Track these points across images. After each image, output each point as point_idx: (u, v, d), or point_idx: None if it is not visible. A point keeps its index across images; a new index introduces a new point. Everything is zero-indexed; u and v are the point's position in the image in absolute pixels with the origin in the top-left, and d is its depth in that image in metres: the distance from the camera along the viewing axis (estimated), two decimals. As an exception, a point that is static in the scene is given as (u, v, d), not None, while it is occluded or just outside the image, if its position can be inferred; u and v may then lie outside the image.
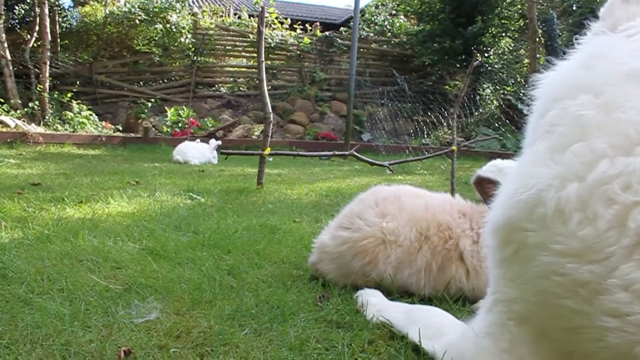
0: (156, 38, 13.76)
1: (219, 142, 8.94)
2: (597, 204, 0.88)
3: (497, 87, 15.41)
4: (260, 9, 4.86)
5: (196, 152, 8.37)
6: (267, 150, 4.83)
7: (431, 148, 11.33)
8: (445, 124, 13.34)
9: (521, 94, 16.06)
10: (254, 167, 7.28)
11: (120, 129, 11.84)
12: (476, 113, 14.18)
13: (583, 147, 0.96)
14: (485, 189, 1.92)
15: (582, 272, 0.86)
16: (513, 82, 15.28)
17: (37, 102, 10.83)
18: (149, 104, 12.78)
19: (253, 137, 12.70)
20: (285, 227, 3.18)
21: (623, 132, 0.91)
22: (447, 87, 15.83)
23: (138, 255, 2.32)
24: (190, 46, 14.24)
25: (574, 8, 15.48)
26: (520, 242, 0.99)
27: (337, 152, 4.95)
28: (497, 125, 14.06)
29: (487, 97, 15.24)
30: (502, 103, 15.48)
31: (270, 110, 4.90)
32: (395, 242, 1.94)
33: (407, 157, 8.32)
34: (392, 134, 13.85)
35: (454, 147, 5.39)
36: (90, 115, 11.33)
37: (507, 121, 14.09)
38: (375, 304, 1.72)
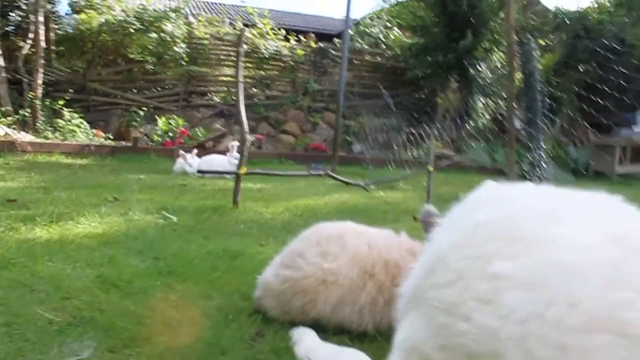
0: (150, 47, 13.84)
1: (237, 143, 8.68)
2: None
3: (491, 99, 15.52)
4: (240, 30, 4.94)
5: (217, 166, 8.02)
6: (243, 170, 4.90)
7: (419, 162, 11.43)
8: (436, 137, 13.42)
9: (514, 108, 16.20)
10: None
11: (111, 137, 11.90)
12: (467, 126, 14.27)
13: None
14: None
15: (453, 293, 1.10)
16: (505, 96, 15.37)
17: (28, 110, 10.90)
18: (141, 113, 12.84)
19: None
20: (249, 252, 3.24)
21: None
22: (440, 100, 15.93)
23: (92, 284, 2.38)
24: (184, 55, 14.33)
25: (567, 22, 15.61)
26: (418, 295, 1.24)
27: (312, 172, 5.02)
28: (487, 137, 14.17)
29: (479, 110, 15.34)
30: (492, 117, 15.59)
31: (247, 130, 4.97)
32: (335, 282, 1.99)
33: (395, 170, 8.41)
34: (383, 146, 13.92)
35: (431, 168, 5.46)
36: (81, 123, 11.39)
37: (499, 135, 14.20)
38: (306, 342, 1.78)
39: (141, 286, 2.38)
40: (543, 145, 5.61)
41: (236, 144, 8.69)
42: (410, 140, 13.42)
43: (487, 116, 15.40)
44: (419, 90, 15.25)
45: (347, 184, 4.95)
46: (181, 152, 8.81)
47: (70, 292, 2.24)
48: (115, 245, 3.15)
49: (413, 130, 13.43)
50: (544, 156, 5.65)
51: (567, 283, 0.97)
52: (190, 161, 8.46)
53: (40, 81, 11.27)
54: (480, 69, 14.44)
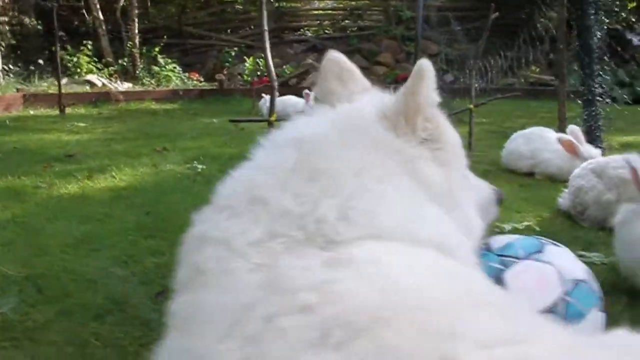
0: (238, -15, 14.15)
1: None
2: None
3: (603, 16, 14.04)
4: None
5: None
6: (274, 117, 5.07)
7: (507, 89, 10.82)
8: (533, 61, 12.55)
9: (632, 22, 14.54)
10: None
11: (202, 79, 12.53)
12: (571, 47, 13.09)
13: None
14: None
15: None
16: (618, 9, 13.80)
17: (125, 59, 11.77)
18: (232, 52, 13.29)
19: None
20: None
21: None
22: (542, 19, 14.68)
23: (72, 241, 2.74)
24: (272, -9, 14.49)
25: None
26: None
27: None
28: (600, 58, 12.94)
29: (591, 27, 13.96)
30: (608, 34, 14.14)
31: (275, 78, 5.08)
32: None
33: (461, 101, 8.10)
34: (479, 74, 13.29)
35: (472, 106, 5.26)
36: (174, 67, 12.08)
37: (611, 55, 12.91)
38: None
39: (109, 243, 2.70)
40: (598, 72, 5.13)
41: (313, 93, 8.82)
42: (508, 66, 12.69)
43: (599, 34, 14.01)
44: (519, 9, 14.14)
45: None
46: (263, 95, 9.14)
47: (45, 250, 2.61)
48: (123, 200, 3.53)
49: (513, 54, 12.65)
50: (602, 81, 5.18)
51: None
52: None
53: (136, 30, 12.05)
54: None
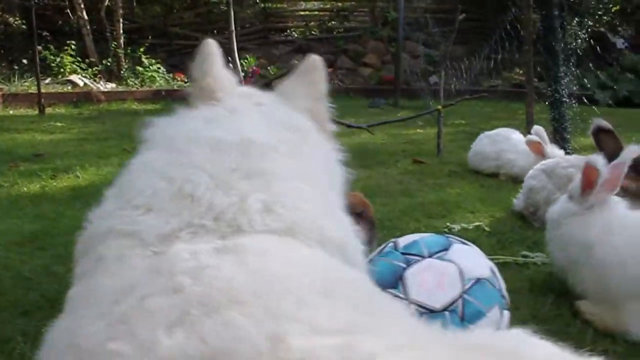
0: (224, -14, 14.15)
1: None
2: None
3: (585, 19, 14.13)
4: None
5: None
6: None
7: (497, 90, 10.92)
8: (514, 63, 12.63)
9: (616, 24, 14.64)
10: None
11: (186, 80, 12.54)
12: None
13: None
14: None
15: None
16: (602, 12, 13.92)
17: (109, 59, 11.76)
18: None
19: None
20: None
21: None
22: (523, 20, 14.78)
23: (17, 239, 2.77)
24: (258, -7, 14.53)
25: None
26: None
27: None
28: (578, 61, 13.00)
29: (573, 30, 14.05)
30: (588, 37, 14.23)
31: (242, 79, 5.14)
32: None
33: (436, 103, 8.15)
34: (464, 75, 13.36)
35: (440, 107, 5.31)
36: (158, 68, 12.07)
37: (594, 57, 12.98)
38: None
39: (57, 242, 2.73)
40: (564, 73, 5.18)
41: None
42: (490, 68, 12.76)
43: (582, 36, 14.08)
44: (504, 11, 14.23)
45: (349, 126, 4.97)
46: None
47: (-9, 248, 2.65)
48: (81, 199, 3.54)
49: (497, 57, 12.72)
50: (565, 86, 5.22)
51: None
52: None
53: (121, 31, 12.04)
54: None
